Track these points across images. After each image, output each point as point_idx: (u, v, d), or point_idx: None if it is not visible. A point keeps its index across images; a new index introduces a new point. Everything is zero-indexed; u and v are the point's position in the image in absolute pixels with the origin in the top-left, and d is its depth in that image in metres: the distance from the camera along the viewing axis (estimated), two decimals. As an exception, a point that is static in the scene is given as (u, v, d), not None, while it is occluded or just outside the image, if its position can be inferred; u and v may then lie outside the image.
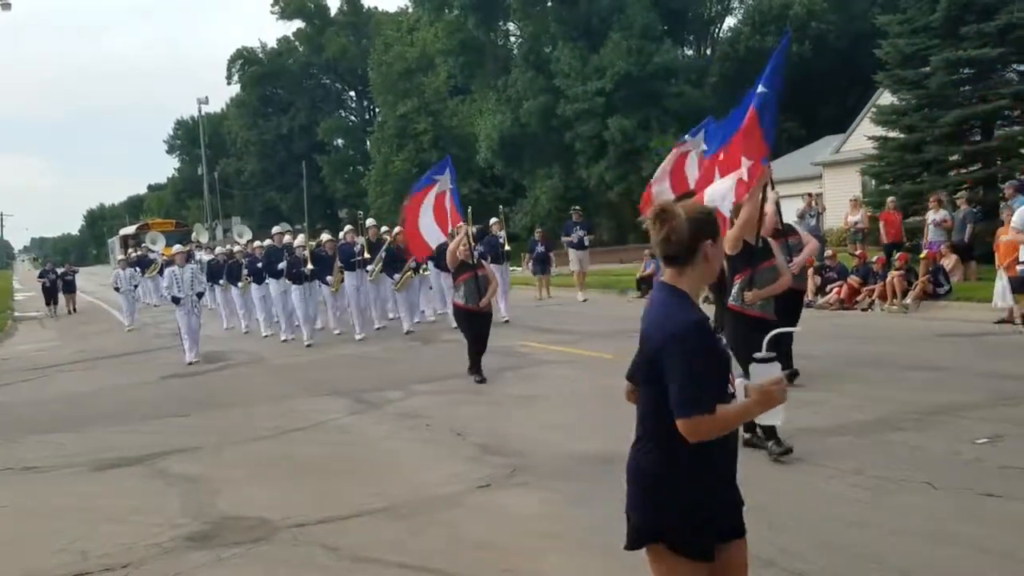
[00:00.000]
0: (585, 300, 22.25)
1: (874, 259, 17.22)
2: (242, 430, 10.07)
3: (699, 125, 12.32)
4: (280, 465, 8.42)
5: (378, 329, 18.33)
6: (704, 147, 11.78)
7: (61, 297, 33.92)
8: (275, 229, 20.58)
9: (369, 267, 17.81)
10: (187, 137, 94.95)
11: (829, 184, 32.63)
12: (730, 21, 54.67)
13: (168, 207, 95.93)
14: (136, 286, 27.48)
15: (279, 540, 6.14)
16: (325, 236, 19.47)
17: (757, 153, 7.98)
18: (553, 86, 45.76)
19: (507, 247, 19.35)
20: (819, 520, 5.63)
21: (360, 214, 21.86)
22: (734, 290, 7.64)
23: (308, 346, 17.11)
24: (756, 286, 7.51)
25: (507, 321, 17.79)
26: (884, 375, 10.19)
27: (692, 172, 11.84)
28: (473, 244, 11.65)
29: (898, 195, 21.60)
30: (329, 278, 17.88)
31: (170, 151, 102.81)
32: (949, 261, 16.58)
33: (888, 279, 16.14)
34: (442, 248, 13.81)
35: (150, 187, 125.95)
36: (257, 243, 20.97)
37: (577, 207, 24.69)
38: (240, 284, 20.90)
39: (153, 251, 36.75)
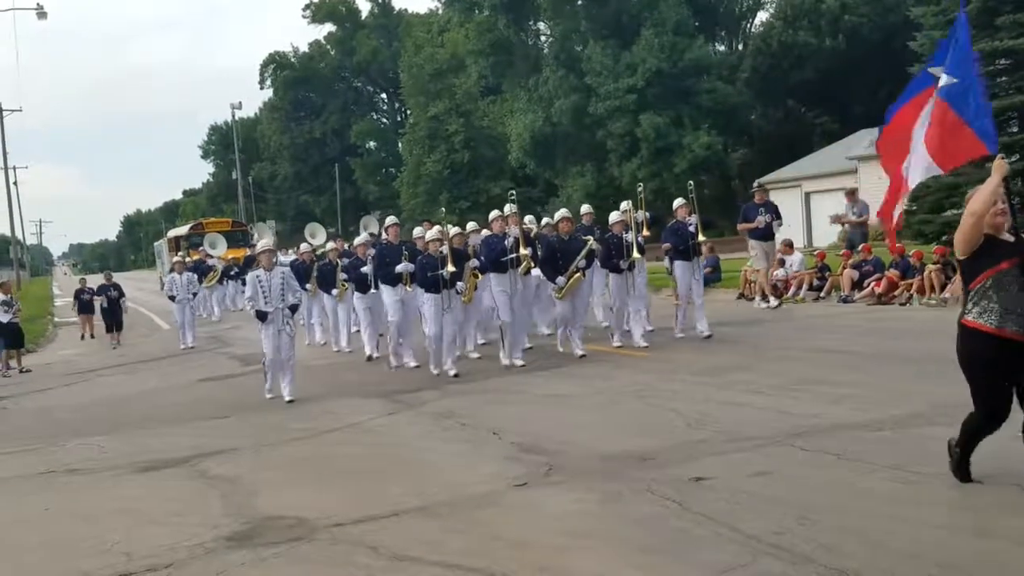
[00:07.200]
0: (778, 306, 17.74)
1: (911, 253, 17.04)
2: (279, 431, 10.16)
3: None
4: (317, 465, 8.49)
5: (528, 349, 14.12)
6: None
7: (95, 317, 26.37)
8: (389, 220, 15.23)
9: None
10: (221, 142, 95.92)
11: (864, 178, 32.33)
12: (762, 16, 54.58)
13: (203, 211, 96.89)
14: (195, 294, 23.38)
15: (318, 540, 6.18)
16: (453, 229, 14.44)
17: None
18: (584, 84, 45.74)
19: (701, 238, 14.35)
20: (858, 516, 5.58)
21: (512, 195, 14.89)
22: None
23: (456, 375, 12.65)
24: None
25: (709, 336, 14.07)
26: (921, 369, 10.08)
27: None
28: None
29: (935, 188, 21.31)
30: (460, 284, 13.18)
31: (205, 156, 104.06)
32: (989, 254, 16.36)
33: (925, 273, 15.98)
34: None
35: (185, 192, 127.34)
36: (359, 239, 16.22)
37: (760, 184, 18.71)
38: (335, 291, 16.79)
39: (212, 256, 32.19)
